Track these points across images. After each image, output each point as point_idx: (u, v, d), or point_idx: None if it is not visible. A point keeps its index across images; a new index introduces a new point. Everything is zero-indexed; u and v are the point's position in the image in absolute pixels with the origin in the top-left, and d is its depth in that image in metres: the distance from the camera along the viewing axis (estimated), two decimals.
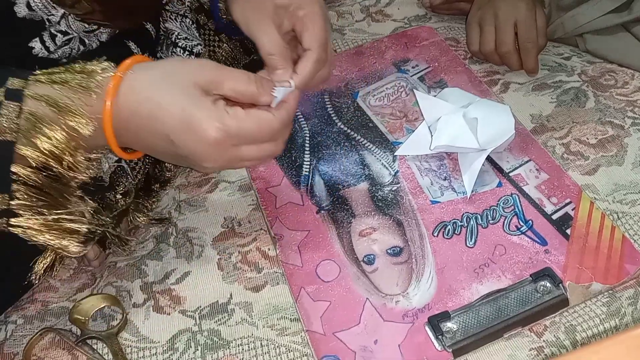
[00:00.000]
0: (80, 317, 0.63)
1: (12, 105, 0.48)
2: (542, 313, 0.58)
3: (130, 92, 0.51)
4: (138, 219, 0.70)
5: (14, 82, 0.49)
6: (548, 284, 0.59)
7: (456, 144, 0.70)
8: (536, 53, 0.80)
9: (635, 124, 0.74)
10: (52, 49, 0.59)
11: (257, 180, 0.73)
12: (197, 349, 0.60)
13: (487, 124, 0.70)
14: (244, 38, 0.71)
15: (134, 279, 0.67)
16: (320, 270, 0.64)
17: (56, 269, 0.60)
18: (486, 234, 0.64)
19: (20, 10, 0.56)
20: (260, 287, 0.64)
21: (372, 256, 0.64)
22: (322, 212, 0.69)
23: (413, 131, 0.74)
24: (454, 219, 0.66)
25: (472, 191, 0.68)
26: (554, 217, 0.65)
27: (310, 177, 0.72)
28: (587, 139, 0.73)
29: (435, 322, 0.57)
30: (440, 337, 0.56)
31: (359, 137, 0.76)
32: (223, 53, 0.79)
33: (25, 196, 0.49)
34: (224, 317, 0.62)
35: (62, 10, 0.58)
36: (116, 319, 0.63)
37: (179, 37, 0.72)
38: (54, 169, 0.50)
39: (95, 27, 0.61)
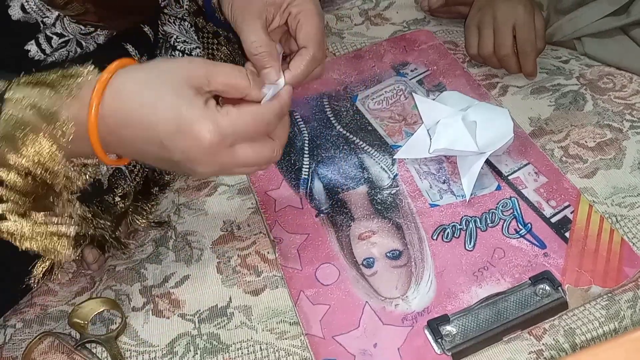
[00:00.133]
0: (80, 321, 0.63)
1: None
2: (542, 316, 0.58)
3: (117, 96, 0.49)
4: (137, 222, 0.70)
5: None
6: (547, 287, 0.59)
7: (455, 147, 0.70)
8: (535, 56, 0.80)
9: (633, 127, 0.74)
10: (48, 51, 0.58)
11: (256, 183, 0.73)
12: (197, 353, 0.60)
13: (485, 127, 0.70)
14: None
15: (133, 283, 0.67)
16: (320, 273, 0.64)
17: (55, 273, 0.60)
18: (485, 237, 0.64)
19: (15, 12, 0.56)
20: (260, 291, 0.64)
21: (371, 259, 0.64)
22: (322, 215, 0.69)
23: (412, 134, 0.75)
24: (453, 222, 0.66)
25: (471, 194, 0.68)
26: (553, 220, 0.65)
27: (310, 181, 0.72)
28: (586, 142, 0.73)
29: (435, 325, 0.57)
30: (439, 340, 0.56)
31: (358, 140, 0.76)
32: (222, 56, 0.79)
33: (12, 199, 0.48)
34: (223, 320, 0.62)
35: (57, 13, 0.58)
36: (115, 323, 0.63)
37: (178, 40, 0.72)
38: (40, 176, 0.48)
39: (92, 29, 0.61)
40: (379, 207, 0.68)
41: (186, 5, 0.75)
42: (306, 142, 0.77)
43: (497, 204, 0.67)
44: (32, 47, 0.58)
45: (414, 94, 0.80)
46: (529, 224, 0.65)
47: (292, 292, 0.63)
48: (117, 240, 0.67)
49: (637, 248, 0.62)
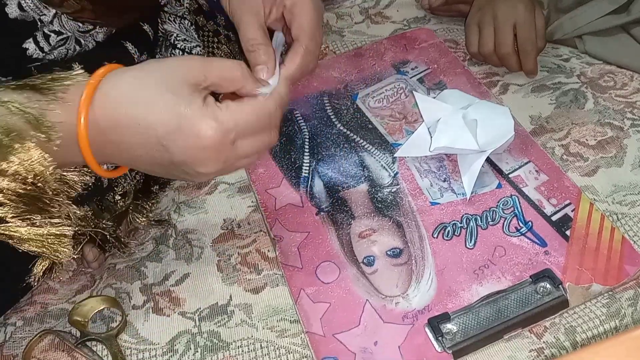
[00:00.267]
0: (80, 319, 0.63)
1: None
2: (542, 314, 0.58)
3: (108, 98, 0.47)
4: (137, 220, 0.70)
5: None
6: (548, 285, 0.59)
7: (456, 145, 0.70)
8: (535, 54, 0.80)
9: (634, 125, 0.74)
10: (46, 49, 0.58)
11: (256, 181, 0.73)
12: (197, 351, 0.60)
13: (486, 126, 0.70)
14: None
15: (133, 281, 0.67)
16: (320, 271, 0.64)
17: (55, 271, 0.60)
18: (486, 235, 0.64)
19: (12, 11, 0.55)
20: (260, 289, 0.64)
21: (371, 257, 0.64)
22: (322, 213, 0.69)
23: (412, 133, 0.74)
24: (454, 221, 0.66)
25: (472, 192, 0.68)
26: (554, 218, 0.65)
27: (310, 179, 0.72)
28: (587, 140, 0.73)
29: (435, 323, 0.57)
30: (440, 338, 0.56)
31: (358, 138, 0.76)
32: (222, 54, 0.79)
33: (7, 203, 0.46)
34: (224, 318, 0.62)
35: (54, 10, 0.57)
36: (116, 321, 0.63)
37: (178, 38, 0.72)
38: (31, 181, 0.46)
39: (90, 27, 0.60)
40: (380, 206, 0.68)
41: (186, 3, 0.75)
42: (306, 140, 0.77)
43: (498, 202, 0.67)
44: (30, 46, 0.57)
45: (414, 92, 0.80)
46: (530, 222, 0.65)
47: (293, 290, 0.63)
48: (117, 239, 0.67)
49: (637, 246, 0.62)
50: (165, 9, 0.72)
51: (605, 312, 0.58)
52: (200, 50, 0.75)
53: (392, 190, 0.70)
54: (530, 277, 0.60)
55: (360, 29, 0.96)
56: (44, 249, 0.50)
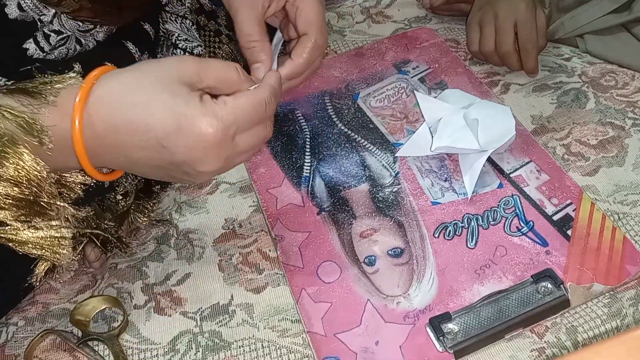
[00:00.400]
0: (81, 319, 0.63)
1: None
2: (543, 314, 0.58)
3: (103, 101, 0.47)
4: (139, 220, 0.70)
5: None
6: (549, 285, 0.59)
7: (457, 145, 0.70)
8: (536, 53, 0.80)
9: (635, 125, 0.74)
10: (47, 49, 0.58)
11: (257, 181, 0.73)
12: (198, 351, 0.60)
13: (487, 125, 0.70)
14: None
15: (134, 281, 0.67)
16: (321, 271, 0.64)
17: (57, 272, 0.60)
18: (487, 235, 0.64)
19: (12, 11, 0.55)
20: (261, 289, 0.64)
21: (373, 257, 0.64)
22: (323, 213, 0.69)
23: (414, 132, 0.74)
24: (455, 220, 0.66)
25: (473, 192, 0.68)
26: (555, 218, 0.65)
27: (311, 179, 0.72)
28: (588, 139, 0.73)
29: (437, 323, 0.57)
30: (441, 338, 0.56)
31: (359, 138, 0.76)
32: (223, 54, 0.79)
33: (4, 207, 0.46)
34: (225, 318, 0.62)
35: (54, 10, 0.57)
36: (117, 321, 0.63)
37: (179, 38, 0.72)
38: (26, 186, 0.46)
39: (91, 26, 0.60)
40: (381, 205, 0.68)
41: (188, 3, 0.75)
42: (307, 140, 0.77)
43: (499, 201, 0.67)
44: (30, 46, 0.57)
45: (415, 91, 0.80)
46: (531, 222, 0.65)
47: (294, 289, 0.63)
48: (119, 239, 0.67)
49: (639, 246, 0.62)
50: (167, 8, 0.72)
51: (606, 311, 0.58)
52: (202, 50, 0.75)
53: (393, 190, 0.70)
54: (532, 276, 0.60)
55: (362, 28, 0.96)
56: (44, 252, 0.49)
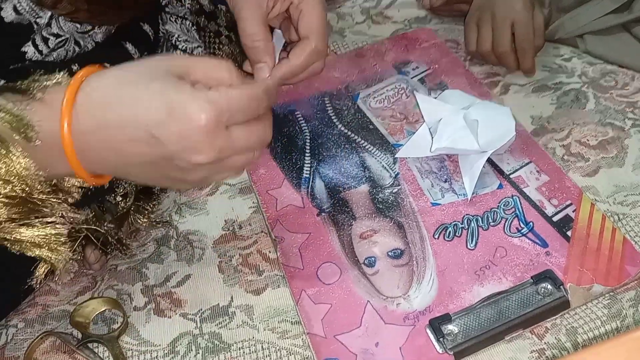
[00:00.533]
0: (81, 321, 0.63)
1: None
2: (543, 315, 0.58)
3: (90, 97, 0.46)
4: (139, 222, 0.70)
5: None
6: (549, 286, 0.59)
7: (457, 146, 0.70)
8: (533, 53, 0.80)
9: (635, 125, 0.74)
10: (45, 52, 0.58)
11: (257, 182, 0.73)
12: (198, 352, 0.60)
13: (487, 126, 0.70)
14: None
15: (134, 282, 0.67)
16: (321, 272, 0.64)
17: (57, 273, 0.60)
18: (487, 236, 0.64)
19: (8, 14, 0.55)
20: (261, 290, 0.64)
21: (372, 258, 0.64)
22: (323, 214, 0.69)
23: (413, 133, 0.74)
24: (455, 221, 0.66)
25: (473, 193, 0.68)
26: (555, 219, 0.65)
27: (311, 180, 0.72)
28: (588, 140, 0.73)
29: (437, 324, 0.57)
30: (441, 339, 0.56)
31: (359, 139, 0.76)
32: (223, 55, 0.79)
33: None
34: (225, 320, 0.62)
35: (50, 12, 0.57)
36: (117, 322, 0.63)
37: (179, 39, 0.72)
38: (19, 186, 0.46)
39: (89, 27, 0.60)
40: (381, 206, 0.68)
41: (188, 4, 0.75)
42: (307, 141, 0.77)
43: (499, 202, 0.67)
44: (29, 49, 0.57)
45: (415, 92, 0.80)
46: (531, 223, 0.65)
47: (294, 291, 0.63)
48: (119, 240, 0.67)
49: (639, 247, 0.62)
50: (167, 9, 0.72)
51: (606, 312, 0.58)
52: (202, 51, 0.75)
53: (393, 191, 0.70)
54: (532, 277, 0.60)
55: (361, 29, 0.96)
56: (40, 250, 0.49)
